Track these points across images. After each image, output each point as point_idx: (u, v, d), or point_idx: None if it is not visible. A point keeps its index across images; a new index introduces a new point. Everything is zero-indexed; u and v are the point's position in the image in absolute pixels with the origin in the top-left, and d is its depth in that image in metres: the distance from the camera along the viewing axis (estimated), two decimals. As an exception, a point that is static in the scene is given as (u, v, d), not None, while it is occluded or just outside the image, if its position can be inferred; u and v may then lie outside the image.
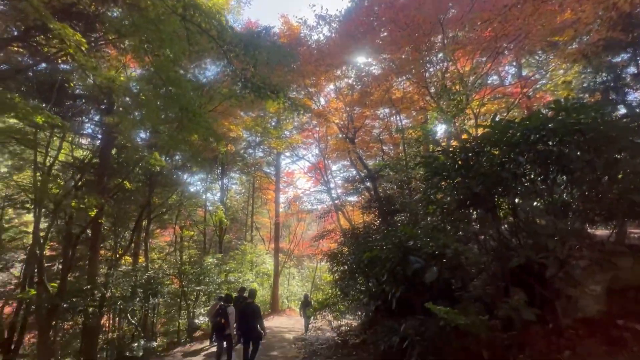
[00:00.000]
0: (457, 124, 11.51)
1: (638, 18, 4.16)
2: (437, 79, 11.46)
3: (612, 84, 4.37)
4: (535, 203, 4.28)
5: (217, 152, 14.17)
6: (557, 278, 3.62)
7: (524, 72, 16.15)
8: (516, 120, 3.42)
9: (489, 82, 17.86)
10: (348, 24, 11.19)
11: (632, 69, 5.14)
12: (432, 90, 11.83)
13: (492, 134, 3.63)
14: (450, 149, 3.87)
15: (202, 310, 13.33)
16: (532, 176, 4.07)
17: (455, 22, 9.63)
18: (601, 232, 5.13)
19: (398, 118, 15.89)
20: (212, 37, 4.98)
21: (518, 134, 3.39)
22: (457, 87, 12.58)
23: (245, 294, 7.63)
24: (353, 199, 16.20)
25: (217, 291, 13.36)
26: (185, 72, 9.23)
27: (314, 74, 11.87)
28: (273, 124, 18.58)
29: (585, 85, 6.70)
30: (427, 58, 10.82)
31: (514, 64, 15.52)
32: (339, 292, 9.40)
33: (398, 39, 9.26)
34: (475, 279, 4.47)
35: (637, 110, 5.22)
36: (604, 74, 5.10)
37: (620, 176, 3.59)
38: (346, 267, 8.68)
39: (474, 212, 4.26)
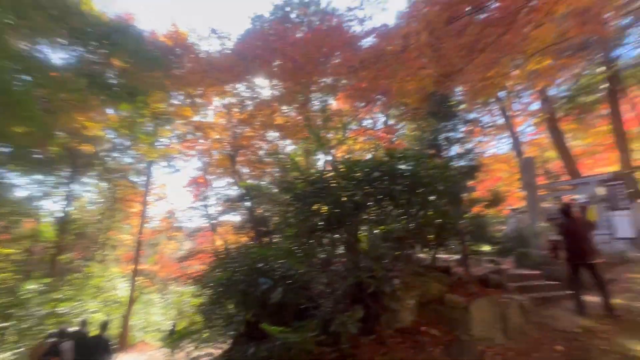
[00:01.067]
0: (334, 155, 12.82)
1: (441, 96, 5.85)
2: (319, 113, 12.69)
3: (434, 142, 5.80)
4: (376, 231, 5.12)
5: (69, 149, 11.58)
6: (384, 294, 4.32)
7: (391, 122, 19.56)
8: (361, 160, 4.11)
9: (364, 124, 20.99)
10: (243, 45, 11.34)
11: (447, 134, 7.04)
12: (316, 122, 12.98)
13: (344, 170, 4.22)
14: (311, 178, 4.27)
15: (10, 355, 10.03)
16: (374, 208, 4.88)
17: (338, 68, 11.00)
18: (425, 255, 6.50)
19: (285, 142, 16.67)
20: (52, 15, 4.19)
21: (361, 171, 4.06)
22: (336, 123, 14.14)
23: (87, 329, 6.31)
24: (231, 218, 15.72)
25: (39, 327, 10.39)
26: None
27: (199, 84, 11.36)
28: (149, 128, 16.57)
29: (424, 139, 8.76)
30: (311, 94, 11.88)
31: (386, 113, 18.62)
32: (202, 319, 8.71)
33: (286, 70, 9.91)
34: (324, 299, 4.86)
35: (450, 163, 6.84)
36: (430, 135, 6.77)
37: (430, 213, 4.69)
38: (212, 291, 8.17)
39: (327, 236, 4.75)
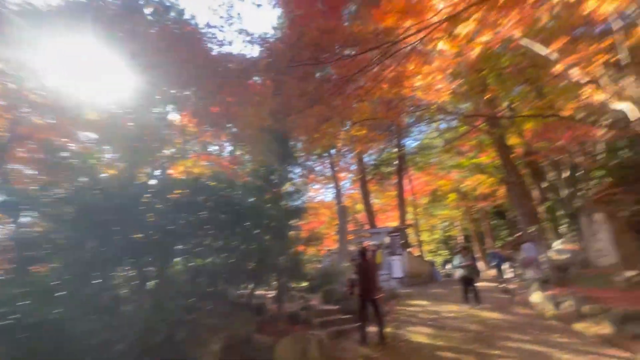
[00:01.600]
0: (165, 173, 11.17)
1: (280, 133, 6.43)
2: (154, 121, 11.07)
3: (267, 177, 5.95)
4: (191, 264, 4.49)
5: None
6: (182, 341, 3.67)
7: (239, 152, 19.38)
8: (183, 179, 3.61)
9: (210, 149, 19.96)
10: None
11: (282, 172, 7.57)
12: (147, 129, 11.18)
13: (161, 188, 3.56)
14: (111, 189, 3.34)
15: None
16: (193, 238, 4.31)
17: (184, 84, 10.07)
18: (242, 292, 6.19)
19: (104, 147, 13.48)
20: None
21: (182, 193, 3.53)
22: (173, 138, 12.70)
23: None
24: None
25: None
26: None
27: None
28: None
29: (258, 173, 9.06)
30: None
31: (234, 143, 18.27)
32: None
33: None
34: (106, 351, 3.69)
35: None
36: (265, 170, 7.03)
37: (253, 247, 4.56)
38: None
39: (124, 268, 3.75)
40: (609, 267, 6.74)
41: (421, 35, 6.66)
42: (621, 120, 12.99)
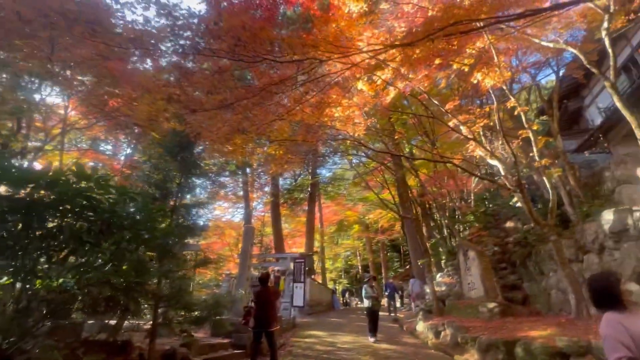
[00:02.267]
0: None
1: (186, 137, 5.71)
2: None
3: (163, 185, 5.08)
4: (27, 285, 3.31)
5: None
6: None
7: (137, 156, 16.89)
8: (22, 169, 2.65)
9: (102, 148, 16.91)
10: None
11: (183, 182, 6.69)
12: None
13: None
14: None
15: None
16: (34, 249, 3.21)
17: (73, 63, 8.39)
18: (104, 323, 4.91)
19: None
20: None
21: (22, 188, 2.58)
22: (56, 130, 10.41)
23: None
24: None
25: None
26: None
27: None
28: None
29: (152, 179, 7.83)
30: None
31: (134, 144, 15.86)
32: None
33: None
34: None
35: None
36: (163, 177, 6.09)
37: (125, 267, 3.64)
38: None
39: None
40: (477, 299, 7.76)
41: (344, 70, 7.01)
42: (487, 175, 15.92)
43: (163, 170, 4.82)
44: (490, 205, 15.32)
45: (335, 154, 23.32)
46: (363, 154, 20.19)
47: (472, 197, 15.46)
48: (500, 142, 6.54)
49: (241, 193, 24.47)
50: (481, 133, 6.66)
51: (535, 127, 6.40)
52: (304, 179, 25.18)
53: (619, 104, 6.06)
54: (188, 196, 5.45)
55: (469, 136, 6.30)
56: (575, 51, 6.48)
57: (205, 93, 4.59)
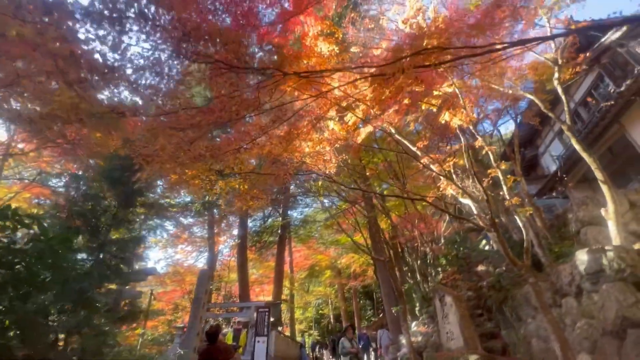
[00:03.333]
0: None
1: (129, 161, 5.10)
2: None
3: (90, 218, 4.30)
4: None
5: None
6: None
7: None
8: None
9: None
10: None
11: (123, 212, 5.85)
12: None
13: None
14: None
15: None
16: None
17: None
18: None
19: None
20: None
21: None
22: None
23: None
24: None
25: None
26: None
27: None
28: None
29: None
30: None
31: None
32: None
33: None
34: None
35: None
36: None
37: (11, 318, 2.76)
38: None
39: None
40: (457, 350, 7.11)
41: (313, 98, 6.90)
42: (455, 220, 16.01)
43: (93, 198, 4.09)
44: (461, 249, 15.27)
45: (307, 195, 22.99)
46: (335, 195, 19.99)
47: (443, 241, 15.39)
48: (471, 181, 6.50)
49: (207, 235, 22.91)
50: (452, 171, 6.63)
51: (503, 167, 6.47)
52: (274, 221, 24.23)
53: (577, 146, 6.30)
54: (122, 230, 4.67)
55: (441, 174, 6.20)
56: (532, 97, 6.86)
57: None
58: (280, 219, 21.94)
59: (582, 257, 5.41)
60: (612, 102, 9.15)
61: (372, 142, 15.18)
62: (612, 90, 10.43)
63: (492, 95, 9.06)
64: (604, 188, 5.95)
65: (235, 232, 23.85)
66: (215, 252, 25.19)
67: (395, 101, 7.67)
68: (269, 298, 21.26)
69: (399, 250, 17.54)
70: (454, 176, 6.56)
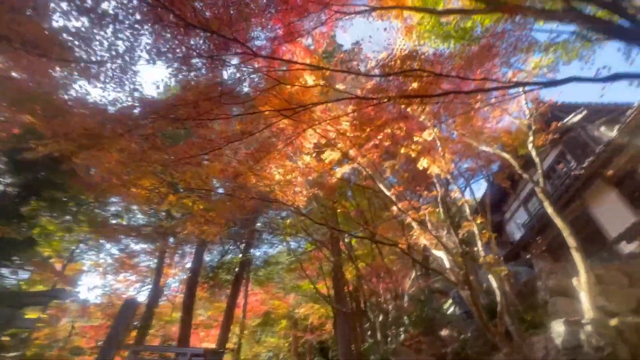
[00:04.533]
0: None
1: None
2: None
3: None
4: None
5: None
6: None
7: None
8: None
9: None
10: None
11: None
12: None
13: None
14: None
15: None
16: None
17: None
18: None
19: None
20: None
21: None
22: None
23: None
24: None
25: None
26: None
27: None
28: None
29: None
30: None
31: None
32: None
33: None
34: None
35: None
36: None
37: None
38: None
39: None
40: None
41: (292, 136, 6.53)
42: (421, 277, 15.51)
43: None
44: (426, 309, 14.56)
45: (273, 233, 21.79)
46: (302, 236, 19.07)
47: (406, 299, 14.68)
48: (445, 232, 6.16)
49: (154, 265, 20.65)
50: (427, 219, 6.29)
51: (479, 221, 6.23)
52: (233, 258, 22.46)
53: (549, 210, 6.22)
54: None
55: (416, 219, 5.81)
56: (508, 157, 6.93)
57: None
58: (240, 255, 20.37)
59: (558, 328, 4.97)
60: (575, 178, 9.60)
61: (346, 186, 14.93)
62: (573, 167, 11.09)
63: (467, 153, 9.24)
64: (576, 256, 5.76)
65: (189, 265, 21.74)
66: (161, 285, 22.56)
67: (375, 145, 7.49)
68: (214, 345, 18.84)
69: (362, 303, 16.50)
70: (428, 224, 6.20)
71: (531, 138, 6.69)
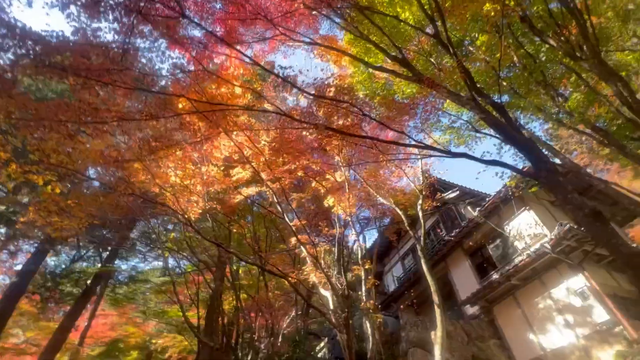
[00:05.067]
0: None
1: None
2: None
3: None
4: None
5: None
6: None
7: None
8: None
9: None
10: None
11: None
12: None
13: None
14: None
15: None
16: None
17: None
18: None
19: None
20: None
21: None
22: None
23: None
24: None
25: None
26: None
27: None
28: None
29: None
30: None
31: None
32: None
33: None
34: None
35: None
36: None
37: None
38: None
39: None
40: None
41: (202, 139, 5.94)
42: (300, 316, 15.36)
43: None
44: (298, 350, 14.23)
45: (150, 246, 18.83)
46: (186, 255, 16.97)
47: (281, 339, 14.17)
48: (335, 272, 6.21)
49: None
50: (322, 256, 6.27)
51: (367, 266, 6.52)
52: (88, 267, 18.32)
53: (425, 267, 6.97)
54: None
55: (312, 255, 5.71)
56: (400, 212, 7.70)
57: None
58: (99, 265, 16.80)
59: (414, 379, 5.30)
60: (444, 244, 11.30)
61: (248, 210, 14.26)
62: (443, 235, 13.11)
63: (367, 203, 9.97)
64: (438, 312, 6.47)
65: (20, 267, 16.72)
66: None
67: (289, 170, 7.40)
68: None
69: (234, 339, 15.14)
70: (322, 262, 6.19)
71: (420, 201, 7.61)
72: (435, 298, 6.58)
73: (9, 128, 3.76)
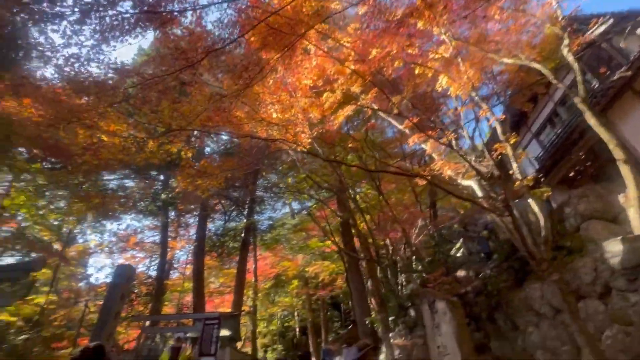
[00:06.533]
0: None
1: None
2: None
3: None
4: None
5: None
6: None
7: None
8: None
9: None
10: None
11: None
12: None
13: None
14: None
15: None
16: None
17: None
18: None
19: None
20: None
21: None
22: None
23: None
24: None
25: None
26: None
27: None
28: None
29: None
30: None
31: None
32: None
33: None
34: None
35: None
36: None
37: None
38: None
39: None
40: (451, 370, 5.80)
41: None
42: (429, 223, 15.13)
43: None
44: (439, 251, 14.36)
45: (275, 198, 21.19)
46: (305, 198, 18.46)
47: (413, 248, 14.43)
48: (473, 158, 5.38)
49: (159, 240, 20.23)
50: (453, 142, 5.46)
51: (513, 140, 5.42)
52: (237, 225, 22.05)
53: (592, 121, 5.39)
54: None
55: (445, 144, 4.99)
56: (539, 66, 5.95)
57: None
58: (244, 220, 19.91)
59: (613, 248, 4.36)
60: (608, 87, 8.63)
61: (347, 139, 13.96)
62: (595, 86, 10.06)
63: (482, 76, 8.17)
64: (624, 169, 5.03)
65: (194, 235, 21.39)
66: (169, 258, 22.43)
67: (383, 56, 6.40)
68: (230, 309, 19.02)
69: (373, 254, 16.34)
70: (455, 146, 5.41)
71: (566, 41, 5.66)
72: (619, 153, 5.08)
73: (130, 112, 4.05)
